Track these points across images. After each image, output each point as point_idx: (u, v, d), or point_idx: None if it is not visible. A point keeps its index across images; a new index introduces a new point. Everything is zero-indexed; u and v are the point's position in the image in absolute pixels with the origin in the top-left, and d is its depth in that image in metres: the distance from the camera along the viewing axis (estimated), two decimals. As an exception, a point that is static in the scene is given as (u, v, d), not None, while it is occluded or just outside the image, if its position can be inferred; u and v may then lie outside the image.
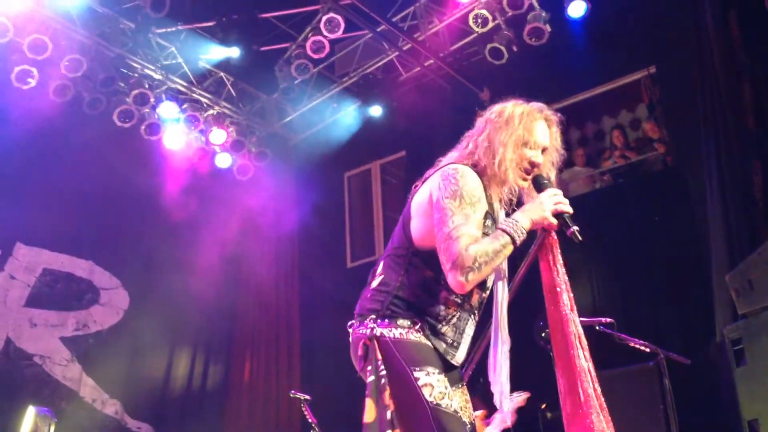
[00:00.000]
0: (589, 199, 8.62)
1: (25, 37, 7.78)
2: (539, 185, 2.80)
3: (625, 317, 5.70)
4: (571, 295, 2.72)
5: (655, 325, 7.24)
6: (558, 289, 2.70)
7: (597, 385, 2.63)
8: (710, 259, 6.73)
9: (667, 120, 8.38)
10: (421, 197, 2.79)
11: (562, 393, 2.66)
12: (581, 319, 5.19)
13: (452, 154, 2.90)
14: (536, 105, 2.89)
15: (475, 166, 2.76)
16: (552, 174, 2.88)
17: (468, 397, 2.82)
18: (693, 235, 7.24)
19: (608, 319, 5.21)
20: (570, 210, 2.69)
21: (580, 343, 2.66)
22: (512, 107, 2.86)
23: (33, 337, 8.74)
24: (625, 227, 7.78)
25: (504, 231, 2.58)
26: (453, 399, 2.59)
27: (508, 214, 2.85)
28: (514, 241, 2.58)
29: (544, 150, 2.84)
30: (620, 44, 8.37)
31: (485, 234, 2.66)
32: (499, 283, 2.79)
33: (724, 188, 6.66)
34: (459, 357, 2.79)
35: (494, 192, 2.79)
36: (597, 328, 5.23)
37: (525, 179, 2.81)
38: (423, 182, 2.84)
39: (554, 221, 2.66)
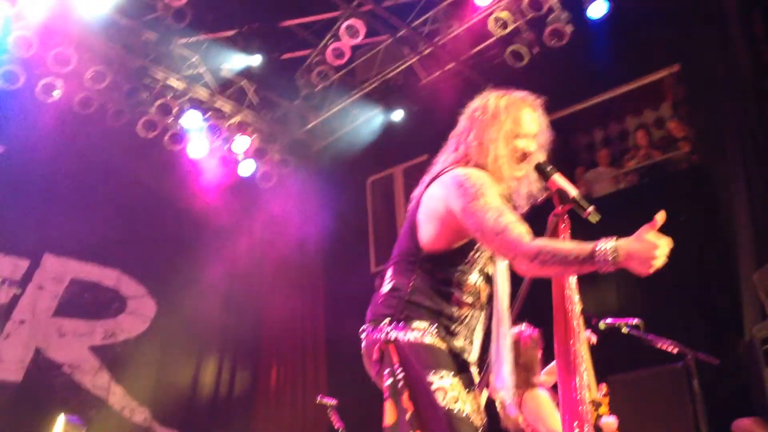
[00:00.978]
0: (614, 199, 8.56)
1: (49, 50, 7.88)
2: (544, 173, 2.78)
3: (652, 318, 5.63)
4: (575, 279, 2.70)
5: (683, 326, 7.16)
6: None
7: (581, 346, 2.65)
8: (738, 258, 6.66)
9: (692, 118, 8.31)
10: (430, 203, 2.77)
11: (559, 358, 2.68)
12: (608, 320, 5.21)
13: (446, 158, 2.88)
14: (518, 94, 2.87)
15: (471, 166, 2.75)
16: (541, 157, 2.86)
17: (480, 401, 2.82)
18: (720, 234, 7.16)
19: (636, 320, 5.17)
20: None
21: (578, 324, 2.67)
22: (495, 101, 2.84)
23: (62, 346, 8.83)
24: (650, 227, 7.70)
25: (593, 248, 2.36)
26: (466, 403, 2.58)
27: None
28: (594, 262, 2.35)
29: (534, 136, 2.84)
30: (643, 43, 8.29)
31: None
32: (499, 276, 2.79)
33: (750, 186, 6.60)
34: (474, 354, 2.80)
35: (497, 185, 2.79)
36: (624, 329, 5.19)
37: (520, 169, 2.79)
38: (426, 186, 2.83)
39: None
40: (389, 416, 2.55)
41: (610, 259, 2.33)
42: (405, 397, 2.55)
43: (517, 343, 4.79)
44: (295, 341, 10.47)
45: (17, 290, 8.28)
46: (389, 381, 2.60)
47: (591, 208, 2.64)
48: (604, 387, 5.22)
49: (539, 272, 2.50)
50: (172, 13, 7.90)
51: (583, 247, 2.39)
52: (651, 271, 2.33)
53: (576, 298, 2.68)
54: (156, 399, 9.36)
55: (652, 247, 2.32)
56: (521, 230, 2.50)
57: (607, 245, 2.34)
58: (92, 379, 8.96)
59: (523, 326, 4.86)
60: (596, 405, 5.04)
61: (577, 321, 2.65)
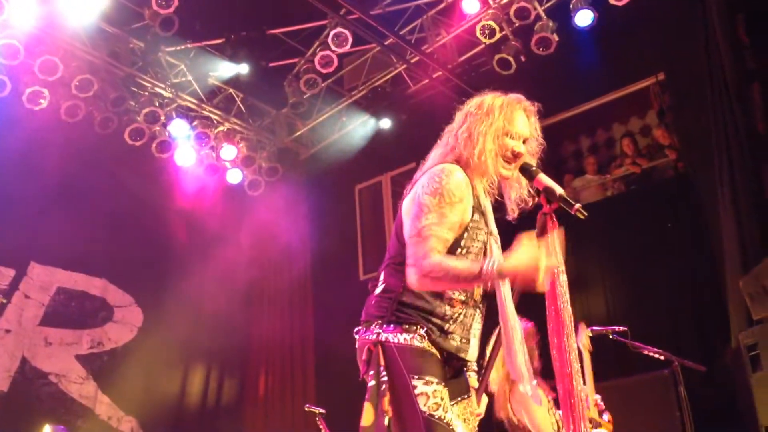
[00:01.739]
0: (601, 206, 8.60)
1: (36, 58, 7.85)
2: (528, 173, 2.81)
3: (639, 325, 5.66)
4: (565, 276, 2.72)
5: (670, 333, 7.20)
6: (555, 271, 2.70)
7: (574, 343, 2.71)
8: (724, 264, 6.69)
9: (678, 126, 8.36)
10: (408, 202, 2.81)
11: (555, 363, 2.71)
12: (595, 328, 5.23)
13: (436, 152, 2.92)
14: (514, 96, 2.90)
15: (458, 161, 2.78)
16: (531, 161, 2.88)
17: (474, 408, 2.81)
18: (706, 241, 7.20)
19: (622, 328, 5.20)
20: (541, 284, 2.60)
21: (570, 320, 2.71)
22: (491, 99, 2.88)
23: (48, 355, 8.77)
24: (637, 234, 7.76)
25: (480, 267, 2.55)
26: (448, 411, 2.59)
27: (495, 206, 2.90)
28: (481, 279, 2.57)
29: (524, 141, 2.85)
30: (628, 52, 8.36)
31: (470, 229, 2.71)
32: None
33: (736, 193, 6.63)
34: (472, 353, 2.81)
35: (478, 184, 2.81)
36: (611, 336, 5.22)
37: (508, 169, 2.81)
38: (412, 186, 2.86)
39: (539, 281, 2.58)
40: (367, 417, 2.57)
41: (495, 274, 2.53)
42: (386, 400, 2.56)
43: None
44: (283, 349, 10.45)
45: (3, 299, 8.23)
46: (372, 383, 2.62)
47: (578, 205, 2.66)
48: (601, 402, 5.23)
49: (429, 287, 2.65)
50: (159, 22, 7.88)
51: (472, 267, 2.57)
52: (537, 283, 2.55)
53: (567, 295, 2.70)
54: (143, 408, 9.30)
55: (532, 261, 2.52)
56: (436, 246, 2.61)
57: (492, 263, 2.54)
58: (79, 389, 8.90)
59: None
60: (594, 425, 5.05)
61: (569, 317, 2.67)
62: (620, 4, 7.49)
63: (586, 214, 2.64)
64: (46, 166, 8.37)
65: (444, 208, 2.65)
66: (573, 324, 2.69)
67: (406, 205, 2.81)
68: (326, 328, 9.98)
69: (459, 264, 2.60)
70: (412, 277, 2.62)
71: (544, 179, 2.76)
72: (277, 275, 10.75)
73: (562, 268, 2.70)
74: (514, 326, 2.75)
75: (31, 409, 8.30)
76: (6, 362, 8.41)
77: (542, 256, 2.54)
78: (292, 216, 10.28)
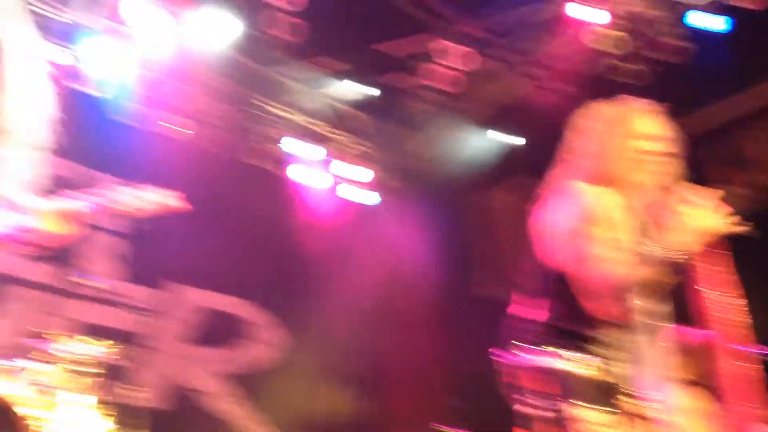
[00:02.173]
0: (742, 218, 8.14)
1: (168, 87, 8.23)
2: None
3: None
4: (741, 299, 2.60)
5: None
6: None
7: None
8: None
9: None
10: (550, 221, 2.73)
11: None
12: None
13: (561, 171, 2.82)
14: (630, 99, 2.77)
15: (591, 179, 2.67)
16: (671, 168, 2.71)
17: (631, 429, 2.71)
18: None
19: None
20: None
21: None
22: (606, 108, 2.77)
23: (191, 375, 9.01)
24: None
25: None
26: None
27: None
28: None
29: (656, 142, 2.71)
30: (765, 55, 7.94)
31: (628, 248, 2.58)
32: (638, 291, 2.67)
33: None
34: (624, 376, 2.69)
35: (617, 197, 2.68)
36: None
37: (645, 172, 2.68)
38: (541, 205, 2.78)
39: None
40: None
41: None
42: (546, 425, 2.53)
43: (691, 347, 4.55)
44: (416, 370, 10.39)
45: (148, 318, 8.52)
46: (525, 408, 2.60)
47: (744, 226, 2.54)
48: None
49: (627, 304, 2.56)
50: (283, 46, 8.12)
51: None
52: None
53: (741, 315, 2.59)
54: (288, 428, 9.33)
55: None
56: (614, 268, 2.52)
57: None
58: (224, 408, 9.09)
59: (697, 330, 4.59)
60: None
61: (736, 334, 2.56)
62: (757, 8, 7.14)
63: (756, 232, 2.52)
64: (176, 189, 8.65)
65: (601, 231, 2.57)
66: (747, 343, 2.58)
67: (554, 231, 2.72)
68: (458, 348, 9.90)
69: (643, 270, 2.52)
70: (603, 306, 2.57)
71: (707, 218, 2.62)
72: (405, 293, 10.75)
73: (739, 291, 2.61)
74: (651, 346, 2.66)
75: (179, 429, 8.52)
76: (153, 380, 8.58)
77: None
78: (417, 234, 10.29)
